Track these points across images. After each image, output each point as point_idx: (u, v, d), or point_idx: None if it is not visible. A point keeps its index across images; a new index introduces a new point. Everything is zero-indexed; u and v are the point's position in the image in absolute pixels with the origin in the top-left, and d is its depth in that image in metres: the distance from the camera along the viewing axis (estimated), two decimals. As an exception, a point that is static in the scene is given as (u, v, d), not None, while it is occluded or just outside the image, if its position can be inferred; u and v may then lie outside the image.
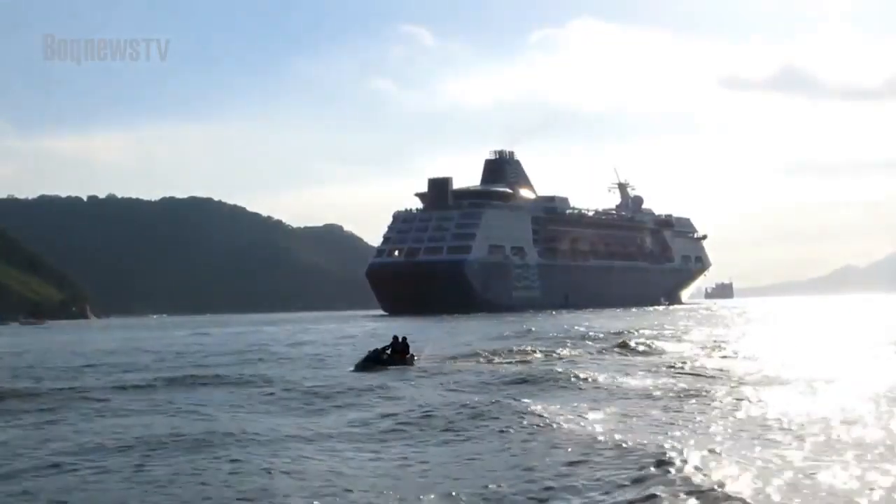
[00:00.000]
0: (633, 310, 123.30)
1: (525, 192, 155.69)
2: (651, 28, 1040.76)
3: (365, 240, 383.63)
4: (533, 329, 55.06)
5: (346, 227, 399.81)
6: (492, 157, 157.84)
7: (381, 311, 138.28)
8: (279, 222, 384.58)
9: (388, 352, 29.05)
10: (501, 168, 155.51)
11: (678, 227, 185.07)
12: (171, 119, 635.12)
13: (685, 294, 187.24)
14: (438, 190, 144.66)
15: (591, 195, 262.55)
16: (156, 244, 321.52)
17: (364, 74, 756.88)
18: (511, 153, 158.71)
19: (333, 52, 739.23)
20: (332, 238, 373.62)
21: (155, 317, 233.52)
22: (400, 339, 29.99)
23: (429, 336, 50.14)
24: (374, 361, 28.46)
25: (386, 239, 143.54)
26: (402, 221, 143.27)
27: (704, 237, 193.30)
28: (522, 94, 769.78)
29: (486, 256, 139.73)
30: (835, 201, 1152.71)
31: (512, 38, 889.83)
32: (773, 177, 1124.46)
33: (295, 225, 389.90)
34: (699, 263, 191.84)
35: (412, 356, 29.73)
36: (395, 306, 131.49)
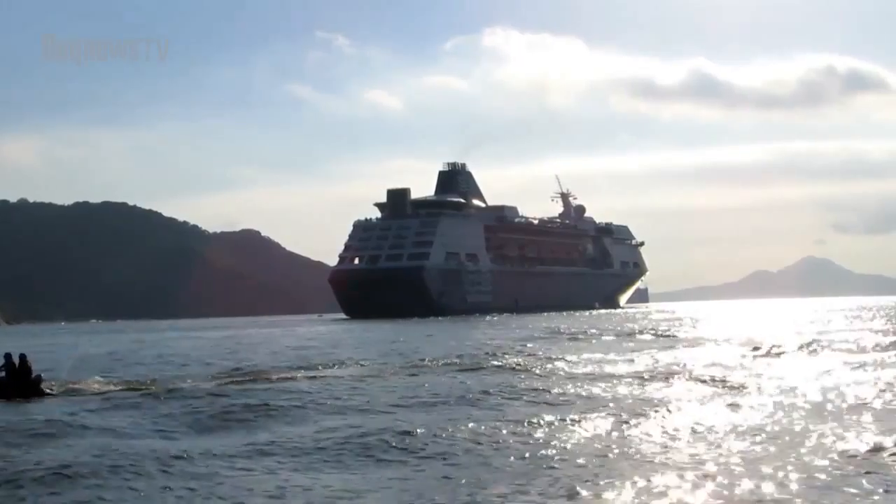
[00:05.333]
0: (566, 313, 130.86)
1: (476, 202, 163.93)
2: (563, 36, 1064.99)
3: (283, 245, 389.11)
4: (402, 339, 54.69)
5: (264, 233, 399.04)
6: (445, 168, 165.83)
7: (342, 315, 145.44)
8: (195, 227, 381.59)
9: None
10: (454, 179, 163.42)
11: (617, 235, 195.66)
12: (84, 123, 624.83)
13: (623, 298, 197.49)
14: (397, 200, 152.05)
15: (526, 202, 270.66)
16: (70, 250, 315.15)
17: (281, 80, 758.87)
18: (463, 165, 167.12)
19: (250, 57, 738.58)
20: (249, 243, 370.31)
21: (93, 321, 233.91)
22: (16, 359, 22.95)
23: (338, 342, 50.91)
24: None
25: (347, 247, 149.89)
26: (362, 230, 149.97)
27: (641, 244, 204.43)
28: (442, 100, 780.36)
29: (443, 263, 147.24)
30: (747, 207, 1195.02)
31: (427, 45, 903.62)
32: (685, 183, 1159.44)
33: (211, 230, 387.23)
34: (636, 269, 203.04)
35: (37, 382, 23.08)
36: (357, 310, 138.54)
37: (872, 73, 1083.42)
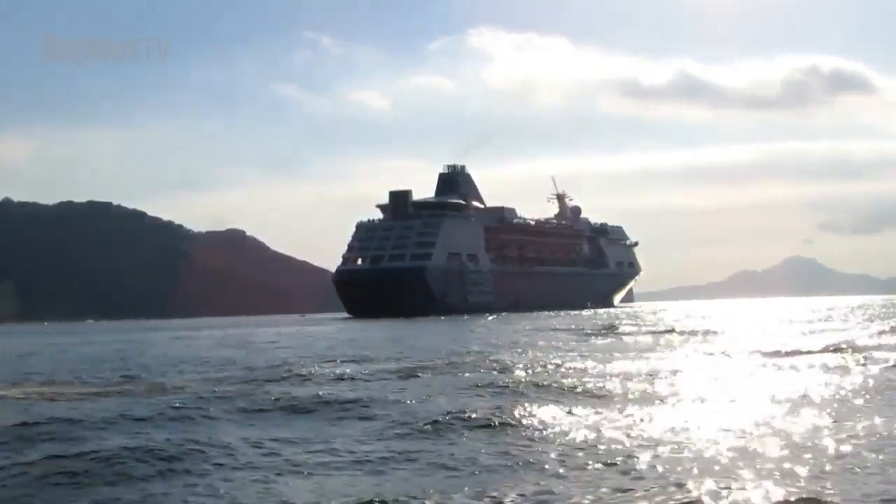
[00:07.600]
0: (563, 313, 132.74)
1: (476, 203, 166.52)
2: (549, 36, 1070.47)
3: (268, 245, 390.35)
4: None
5: (248, 233, 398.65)
6: (445, 170, 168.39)
7: (345, 314, 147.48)
8: (180, 227, 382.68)
9: None
10: (454, 180, 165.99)
11: (612, 235, 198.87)
12: (69, 122, 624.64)
13: (617, 297, 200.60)
14: (399, 201, 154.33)
15: (521, 202, 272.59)
16: (59, 249, 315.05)
17: (267, 79, 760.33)
18: (463, 167, 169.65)
19: (236, 56, 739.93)
20: (235, 243, 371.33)
21: (89, 321, 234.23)
22: None
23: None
24: None
25: (350, 248, 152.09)
26: (365, 231, 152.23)
27: (636, 244, 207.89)
28: (429, 101, 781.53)
29: (445, 263, 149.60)
30: (734, 207, 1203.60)
31: (413, 45, 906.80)
32: (672, 183, 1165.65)
33: (196, 230, 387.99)
34: (631, 269, 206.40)
35: None
36: (360, 310, 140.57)
37: (857, 73, 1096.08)
